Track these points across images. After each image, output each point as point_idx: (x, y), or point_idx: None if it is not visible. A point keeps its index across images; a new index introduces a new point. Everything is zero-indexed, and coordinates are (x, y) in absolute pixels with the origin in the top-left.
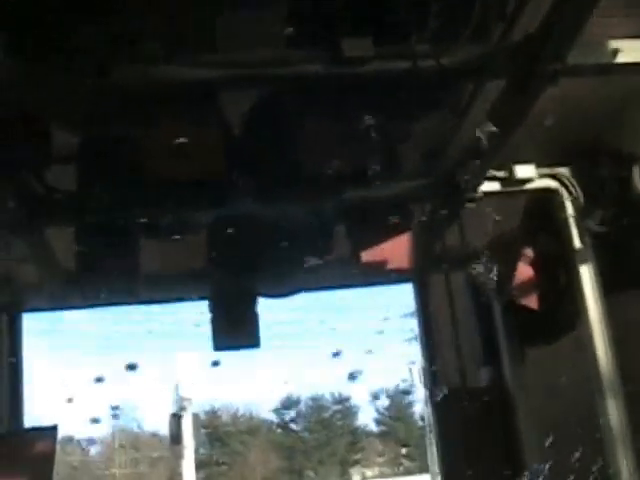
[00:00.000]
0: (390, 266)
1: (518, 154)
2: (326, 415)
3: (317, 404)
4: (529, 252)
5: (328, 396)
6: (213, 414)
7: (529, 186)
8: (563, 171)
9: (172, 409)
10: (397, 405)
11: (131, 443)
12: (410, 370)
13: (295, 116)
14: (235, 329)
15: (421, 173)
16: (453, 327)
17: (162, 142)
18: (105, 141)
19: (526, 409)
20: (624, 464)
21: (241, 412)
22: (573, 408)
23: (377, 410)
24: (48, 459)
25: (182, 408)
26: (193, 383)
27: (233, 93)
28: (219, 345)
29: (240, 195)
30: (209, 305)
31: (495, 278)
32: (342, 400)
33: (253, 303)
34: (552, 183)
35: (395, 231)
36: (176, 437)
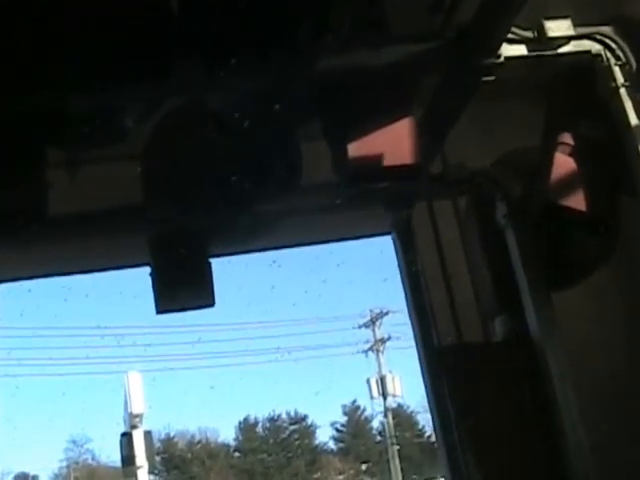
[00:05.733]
0: (387, 162)
1: (549, 11)
2: (284, 435)
3: (274, 425)
4: (568, 138)
5: (285, 416)
6: (169, 441)
7: (564, 49)
8: (606, 30)
9: (123, 429)
10: (354, 421)
11: (87, 475)
12: (368, 381)
13: None
14: (184, 284)
15: (423, 33)
16: (450, 272)
17: None
18: None
19: (561, 364)
20: None
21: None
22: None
23: (335, 427)
24: None
25: (133, 426)
26: (143, 399)
27: None
28: (164, 306)
29: (184, 67)
30: (149, 254)
31: (519, 184)
32: (299, 420)
33: (205, 249)
34: (594, 45)
35: (391, 116)
36: (128, 458)
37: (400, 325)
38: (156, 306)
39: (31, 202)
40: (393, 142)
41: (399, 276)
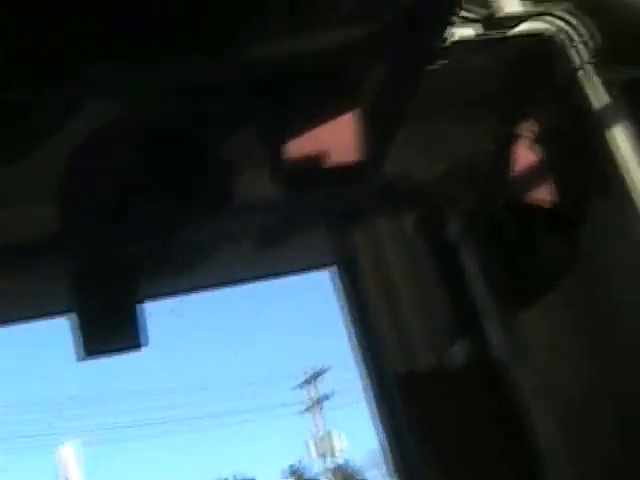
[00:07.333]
0: (329, 162)
1: None
2: None
3: None
4: (530, 128)
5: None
6: None
7: (517, 30)
8: (566, 6)
9: None
10: None
11: None
12: (306, 443)
13: None
14: (112, 324)
15: (361, 15)
16: (398, 298)
17: None
18: None
19: (533, 384)
20: None
21: None
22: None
23: None
24: None
25: None
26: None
27: None
28: (91, 348)
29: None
30: (71, 294)
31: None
32: None
33: (131, 285)
34: (553, 22)
35: (332, 111)
36: None
37: (339, 382)
38: (84, 349)
39: None
40: (335, 140)
41: (340, 314)
